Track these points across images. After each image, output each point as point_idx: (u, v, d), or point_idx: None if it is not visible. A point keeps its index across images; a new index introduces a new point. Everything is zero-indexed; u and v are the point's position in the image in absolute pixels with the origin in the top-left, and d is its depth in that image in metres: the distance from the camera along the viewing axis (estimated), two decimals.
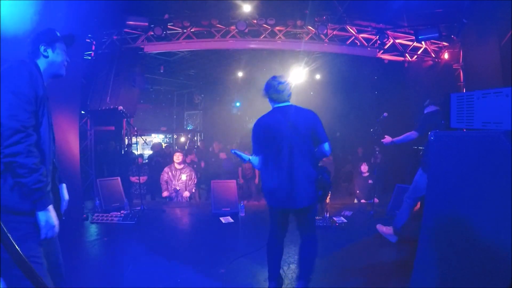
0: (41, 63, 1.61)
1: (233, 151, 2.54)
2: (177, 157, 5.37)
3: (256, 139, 2.32)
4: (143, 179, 5.61)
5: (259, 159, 2.32)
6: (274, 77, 2.38)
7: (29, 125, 1.40)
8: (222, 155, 7.66)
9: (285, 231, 2.47)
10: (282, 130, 2.22)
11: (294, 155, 2.20)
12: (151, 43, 5.86)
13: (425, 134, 3.29)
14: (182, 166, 5.42)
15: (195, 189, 5.63)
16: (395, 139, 3.52)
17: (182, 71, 10.13)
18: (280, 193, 2.22)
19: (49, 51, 1.62)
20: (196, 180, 5.58)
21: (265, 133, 2.27)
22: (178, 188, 5.35)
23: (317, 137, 2.27)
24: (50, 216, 1.46)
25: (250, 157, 2.39)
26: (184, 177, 5.35)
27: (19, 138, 1.35)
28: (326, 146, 2.29)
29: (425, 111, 3.47)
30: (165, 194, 5.41)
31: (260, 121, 2.34)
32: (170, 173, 5.36)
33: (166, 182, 5.37)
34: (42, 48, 1.61)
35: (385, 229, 3.52)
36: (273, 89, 2.33)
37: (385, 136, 3.58)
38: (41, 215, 1.44)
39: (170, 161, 5.67)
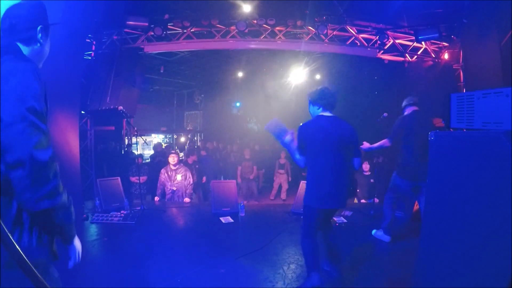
0: (28, 52, 1.17)
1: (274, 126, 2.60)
2: (173, 158, 5.37)
3: (304, 141, 2.46)
4: (143, 179, 5.61)
5: (303, 160, 2.49)
6: (326, 88, 2.59)
7: (53, 153, 1.04)
8: (202, 152, 7.72)
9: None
10: (333, 138, 2.41)
11: (339, 162, 2.43)
12: (151, 43, 5.86)
13: (397, 140, 3.45)
14: (177, 166, 5.42)
15: (191, 190, 5.61)
16: (372, 145, 3.64)
17: (182, 71, 10.13)
18: (328, 195, 2.41)
19: (43, 38, 1.21)
20: (191, 180, 5.56)
21: (316, 137, 2.41)
22: (174, 188, 5.35)
23: (353, 151, 2.53)
24: (78, 244, 1.25)
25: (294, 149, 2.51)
26: (179, 177, 5.34)
27: (56, 173, 1.02)
28: (358, 161, 2.58)
29: (404, 112, 3.56)
30: (156, 199, 5.42)
31: (309, 125, 2.51)
32: (166, 174, 5.37)
33: (164, 184, 5.38)
34: (39, 35, 1.18)
35: (378, 233, 3.63)
36: (326, 98, 2.53)
37: (364, 142, 3.67)
38: (71, 249, 1.24)
39: None
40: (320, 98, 2.55)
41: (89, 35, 5.46)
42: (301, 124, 2.52)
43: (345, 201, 2.53)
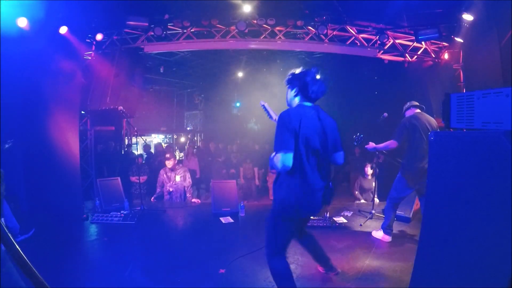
0: None
1: (262, 104, 2.49)
2: (169, 163, 5.40)
3: (291, 131, 1.89)
4: (143, 179, 5.61)
5: (292, 156, 1.87)
6: (312, 72, 2.04)
7: None
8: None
9: None
10: (317, 133, 1.97)
11: (322, 161, 2.02)
12: (151, 43, 5.85)
13: (404, 141, 3.42)
14: (175, 168, 5.45)
15: (191, 190, 5.66)
16: (377, 146, 3.61)
17: (182, 71, 10.12)
18: (310, 200, 1.98)
19: None
20: (190, 180, 5.60)
21: (303, 130, 1.91)
22: (171, 189, 5.38)
23: (337, 146, 2.14)
24: None
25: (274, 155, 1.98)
26: (178, 178, 5.39)
27: None
28: (342, 154, 2.19)
29: (406, 115, 3.56)
30: (152, 199, 5.43)
31: (295, 114, 1.95)
32: (165, 175, 5.39)
33: (163, 184, 5.40)
34: None
35: (377, 233, 3.62)
36: (312, 84, 2.01)
37: (369, 142, 3.65)
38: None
39: None
40: (302, 83, 2.03)
41: (89, 35, 5.46)
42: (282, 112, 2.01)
43: (322, 206, 2.06)
